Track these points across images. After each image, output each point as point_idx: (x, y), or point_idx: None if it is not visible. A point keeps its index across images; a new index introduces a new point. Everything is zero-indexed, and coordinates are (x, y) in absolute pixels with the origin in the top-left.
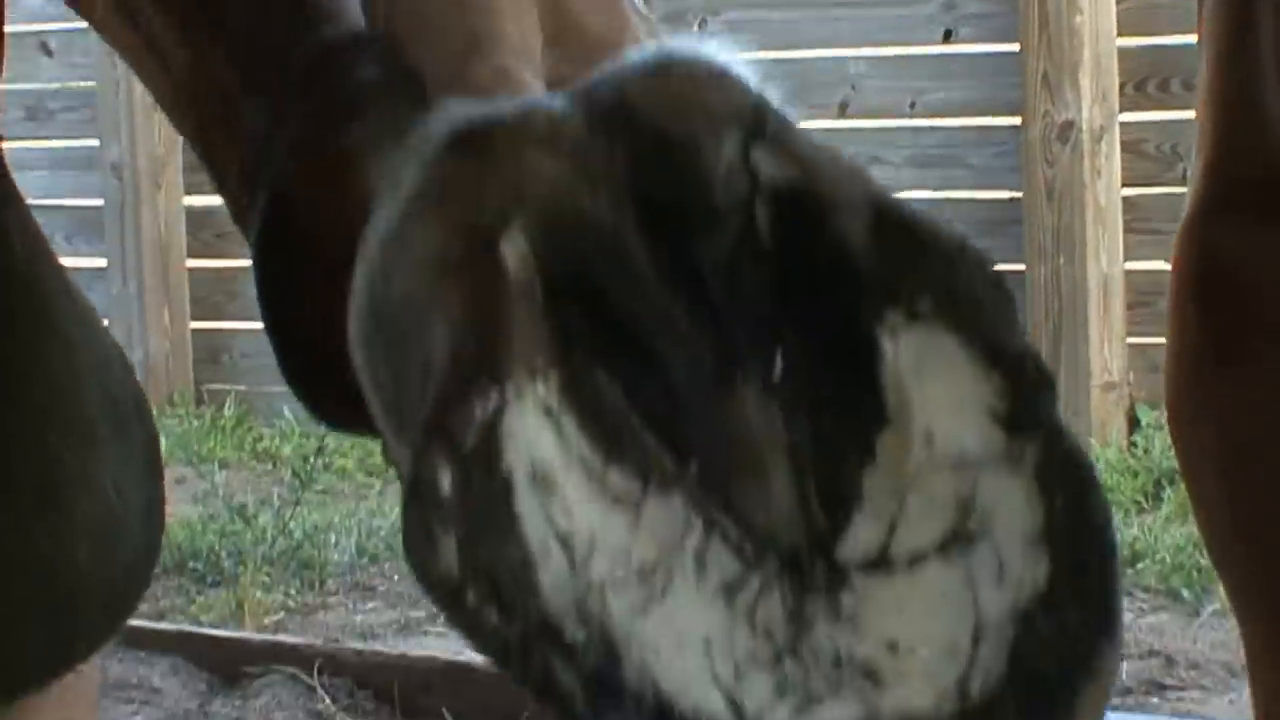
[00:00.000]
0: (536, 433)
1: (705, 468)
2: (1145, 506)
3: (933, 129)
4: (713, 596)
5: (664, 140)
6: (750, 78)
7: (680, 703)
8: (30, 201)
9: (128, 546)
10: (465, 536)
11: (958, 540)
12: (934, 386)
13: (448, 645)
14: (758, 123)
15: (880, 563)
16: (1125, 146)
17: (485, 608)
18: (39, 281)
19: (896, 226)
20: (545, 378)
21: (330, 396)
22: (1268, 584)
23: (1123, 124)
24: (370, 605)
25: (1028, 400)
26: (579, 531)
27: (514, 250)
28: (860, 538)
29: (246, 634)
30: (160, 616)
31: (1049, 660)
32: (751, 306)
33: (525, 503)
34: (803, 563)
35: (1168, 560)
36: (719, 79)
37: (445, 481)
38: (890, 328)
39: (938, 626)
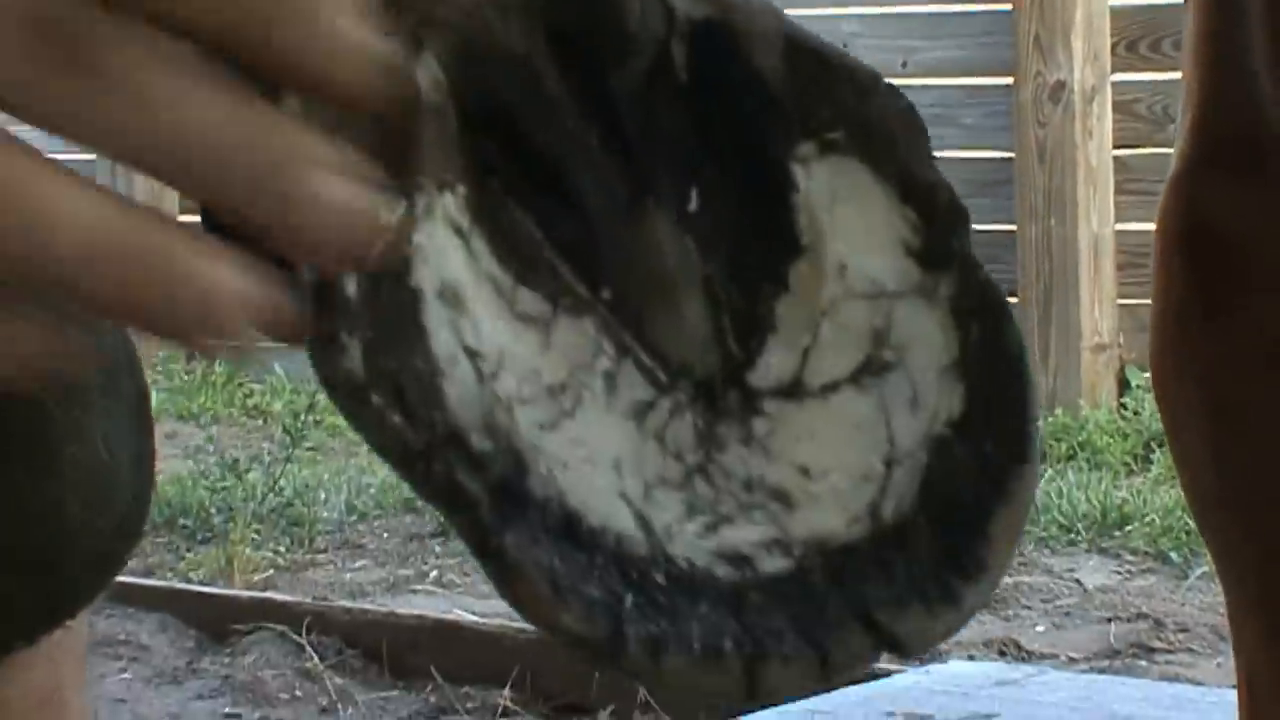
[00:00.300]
0: (446, 250)
1: (618, 295)
2: (1134, 468)
3: (925, 88)
4: (622, 417)
5: None
6: None
7: (588, 517)
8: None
9: (118, 501)
10: (371, 342)
11: (871, 369)
12: (847, 217)
13: (436, 604)
14: None
15: (793, 390)
16: (1117, 107)
17: (389, 411)
18: None
19: (810, 59)
20: (455, 193)
21: None
22: (1251, 546)
23: (1114, 84)
24: (359, 563)
25: (941, 233)
26: (487, 347)
27: (426, 73)
28: (773, 365)
29: (235, 591)
30: (149, 573)
31: (963, 485)
32: (667, 140)
33: (433, 316)
34: (715, 389)
35: (1157, 522)
36: None
37: (350, 286)
38: (803, 159)
39: (850, 452)
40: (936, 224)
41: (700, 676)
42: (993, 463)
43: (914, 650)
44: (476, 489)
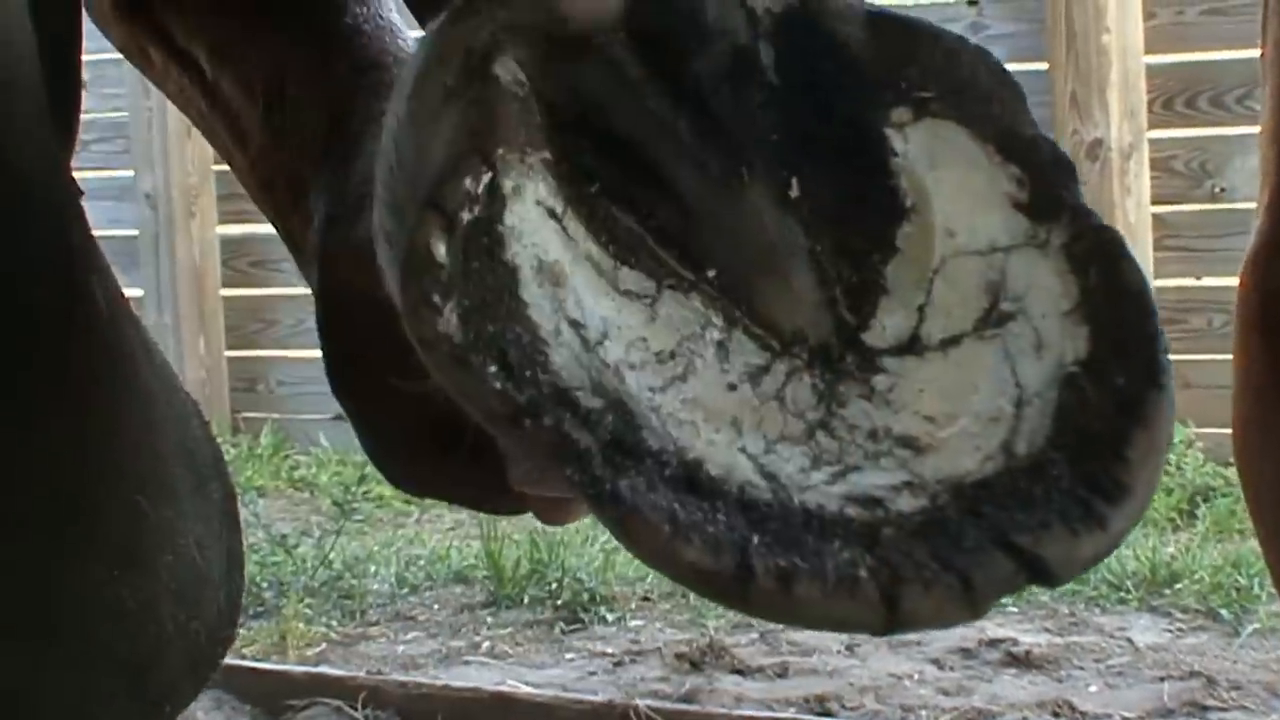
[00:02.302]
0: (541, 231)
1: (723, 273)
2: (1180, 524)
3: None
4: (738, 380)
5: None
6: None
7: (709, 467)
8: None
9: (210, 604)
10: (469, 309)
11: (991, 320)
12: (949, 178)
13: (490, 675)
14: None
15: (912, 346)
16: (1154, 164)
17: (490, 372)
18: (121, 341)
19: (893, 26)
20: (546, 179)
21: (416, 459)
22: None
23: (1151, 141)
24: (411, 635)
25: (1047, 186)
26: (591, 320)
27: (506, 71)
28: (889, 325)
29: (289, 666)
30: None
31: (1097, 417)
32: (761, 132)
33: (532, 291)
34: (832, 353)
35: (1206, 580)
36: None
37: (440, 250)
38: (898, 123)
39: (977, 398)
40: (1041, 177)
41: (835, 606)
42: (1125, 393)
43: (1064, 575)
44: (587, 442)
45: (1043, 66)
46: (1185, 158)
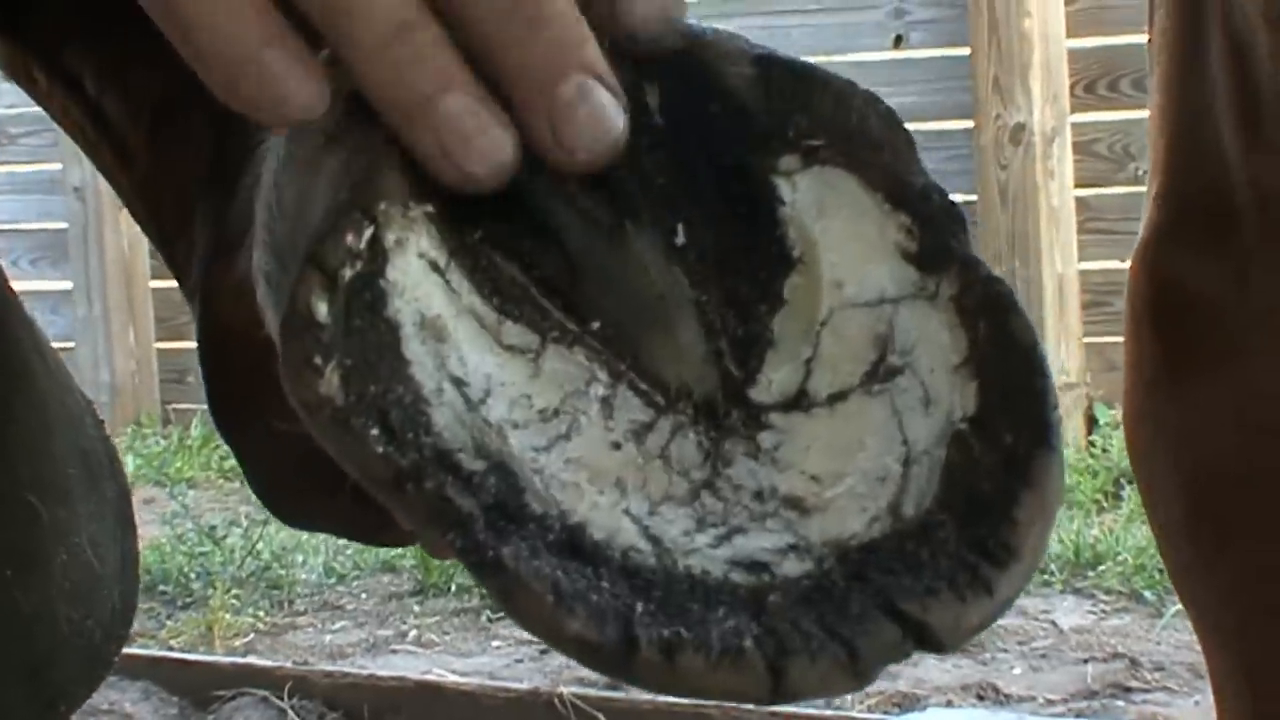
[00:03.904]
0: (423, 285)
1: (608, 325)
2: (1105, 506)
3: None
4: (622, 439)
5: None
6: None
7: (592, 531)
8: None
9: (105, 603)
10: (350, 369)
11: (879, 375)
12: (837, 228)
13: (416, 664)
14: None
15: (799, 402)
16: (1077, 147)
17: (372, 435)
18: (14, 343)
19: (782, 72)
20: (428, 231)
21: (300, 497)
22: (1229, 613)
23: (1074, 125)
24: (339, 625)
25: (936, 236)
26: (474, 376)
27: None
28: (775, 380)
29: (216, 657)
30: (130, 641)
31: (986, 476)
32: (646, 176)
33: (414, 348)
34: (717, 408)
35: (1129, 561)
36: None
37: (321, 309)
38: (786, 172)
39: (864, 456)
40: (931, 226)
41: (720, 678)
42: (1014, 452)
43: (951, 643)
44: (470, 506)
45: (965, 51)
46: (1108, 141)
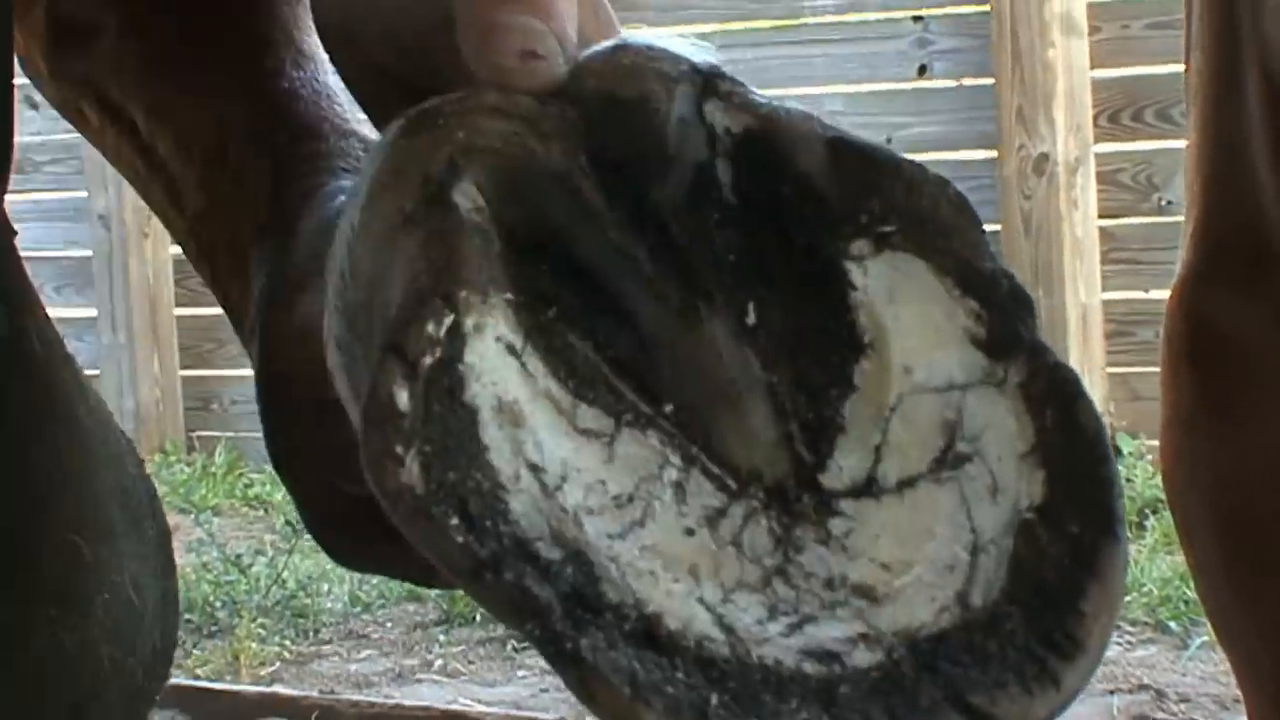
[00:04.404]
0: (500, 369)
1: (680, 408)
2: (1130, 537)
3: None
4: (695, 524)
5: (613, 100)
6: (703, 53)
7: (667, 620)
8: (20, 254)
9: (146, 642)
10: (430, 456)
11: (948, 462)
12: (908, 313)
13: (442, 693)
14: (709, 81)
15: (869, 488)
16: (1101, 177)
17: (452, 524)
18: (58, 385)
19: (854, 157)
20: (505, 314)
21: (364, 544)
22: (1268, 655)
23: (1098, 155)
24: (365, 654)
25: (1005, 322)
26: (550, 462)
27: (465, 198)
28: (845, 466)
29: (242, 686)
30: None
31: (1052, 566)
32: (719, 255)
33: (492, 433)
34: (789, 493)
35: (1155, 592)
36: (671, 52)
37: (403, 398)
38: (858, 256)
39: (933, 545)
40: (999, 313)
41: None
42: (1080, 542)
43: None
44: (548, 596)
45: (989, 81)
46: (1131, 171)
